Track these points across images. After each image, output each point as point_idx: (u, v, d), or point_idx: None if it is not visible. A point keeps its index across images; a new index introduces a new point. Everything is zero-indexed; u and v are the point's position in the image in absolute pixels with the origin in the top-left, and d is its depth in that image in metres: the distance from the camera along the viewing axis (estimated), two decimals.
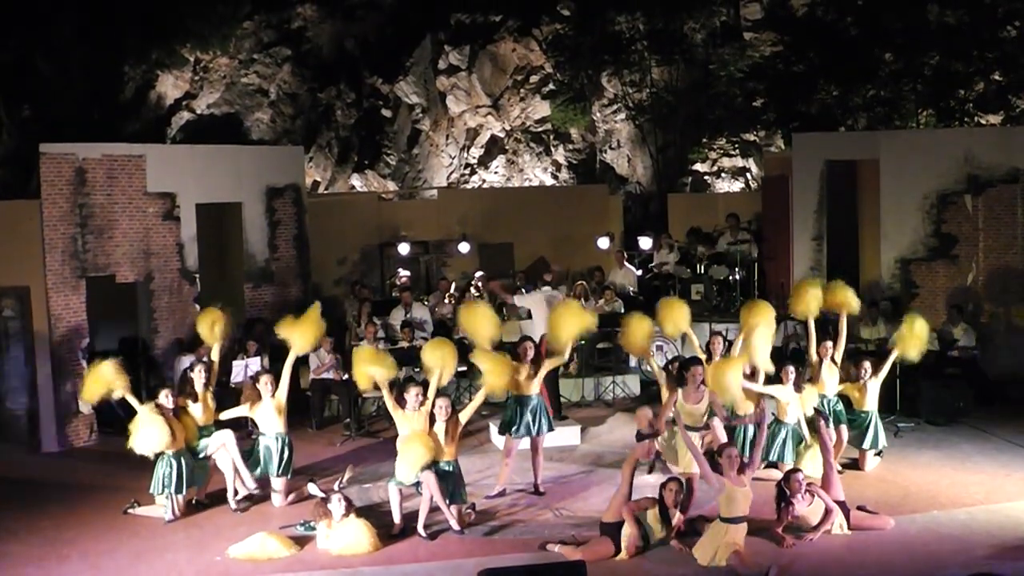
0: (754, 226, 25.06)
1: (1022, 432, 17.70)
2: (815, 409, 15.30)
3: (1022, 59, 27.64)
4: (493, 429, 17.66)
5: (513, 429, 15.19)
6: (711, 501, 13.27)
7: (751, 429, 15.20)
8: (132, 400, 14.48)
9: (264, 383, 15.04)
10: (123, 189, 19.41)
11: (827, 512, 13.21)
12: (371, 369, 13.86)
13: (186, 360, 18.31)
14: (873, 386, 16.06)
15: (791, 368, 15.39)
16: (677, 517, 12.99)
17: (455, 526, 13.59)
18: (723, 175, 31.73)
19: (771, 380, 15.34)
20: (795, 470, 13.70)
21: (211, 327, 15.76)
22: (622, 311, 20.92)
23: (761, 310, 15.76)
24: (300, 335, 15.27)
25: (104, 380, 14.48)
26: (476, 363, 14.45)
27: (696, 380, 14.22)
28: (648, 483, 14.00)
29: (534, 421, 15.20)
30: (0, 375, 18.56)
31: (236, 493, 14.97)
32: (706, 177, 31.90)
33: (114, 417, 17.02)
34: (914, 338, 16.02)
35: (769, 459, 15.27)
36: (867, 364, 16.06)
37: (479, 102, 33.42)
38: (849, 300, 16.43)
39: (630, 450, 13.53)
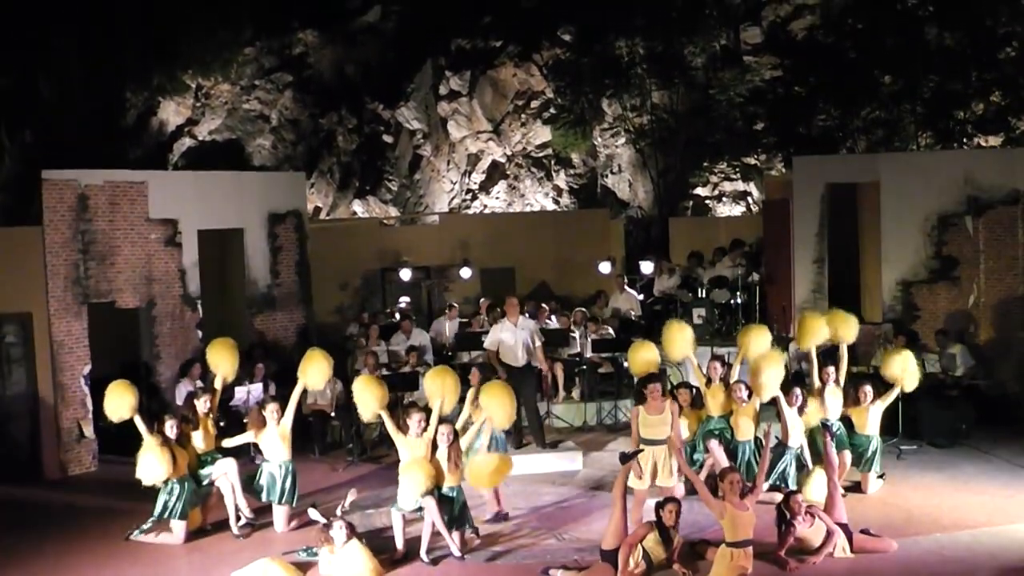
0: (753, 250, 25.08)
1: None
2: (823, 424, 15.38)
3: (1022, 80, 27.68)
4: None
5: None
6: (713, 524, 13.24)
7: (749, 451, 15.33)
8: (141, 425, 14.51)
9: (270, 411, 15.07)
10: (125, 215, 19.46)
11: (828, 534, 13.19)
12: (367, 399, 13.94)
13: (184, 386, 18.33)
14: (875, 411, 16.07)
15: (797, 391, 15.47)
16: (677, 538, 12.96)
17: (455, 552, 13.56)
18: (724, 199, 31.76)
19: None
20: (794, 492, 13.72)
21: (221, 358, 15.84)
22: (612, 336, 21.06)
23: (757, 334, 15.92)
24: (312, 372, 15.26)
25: (124, 400, 14.52)
26: (482, 398, 14.43)
27: (655, 395, 14.06)
28: (650, 508, 13.96)
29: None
30: (1, 401, 18.54)
31: (238, 519, 14.97)
32: (707, 201, 31.92)
33: (117, 442, 17.04)
34: (905, 374, 16.12)
35: (772, 482, 15.30)
36: (867, 388, 16.07)
37: (480, 127, 33.48)
38: (849, 329, 16.49)
39: (618, 473, 13.49)
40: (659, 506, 12.96)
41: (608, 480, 16.70)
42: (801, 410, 15.46)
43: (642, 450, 13.69)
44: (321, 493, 16.42)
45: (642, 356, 15.52)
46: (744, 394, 15.44)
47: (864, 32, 28.92)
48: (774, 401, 15.40)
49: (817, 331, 16.24)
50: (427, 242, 27.55)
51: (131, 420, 14.58)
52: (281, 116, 33.79)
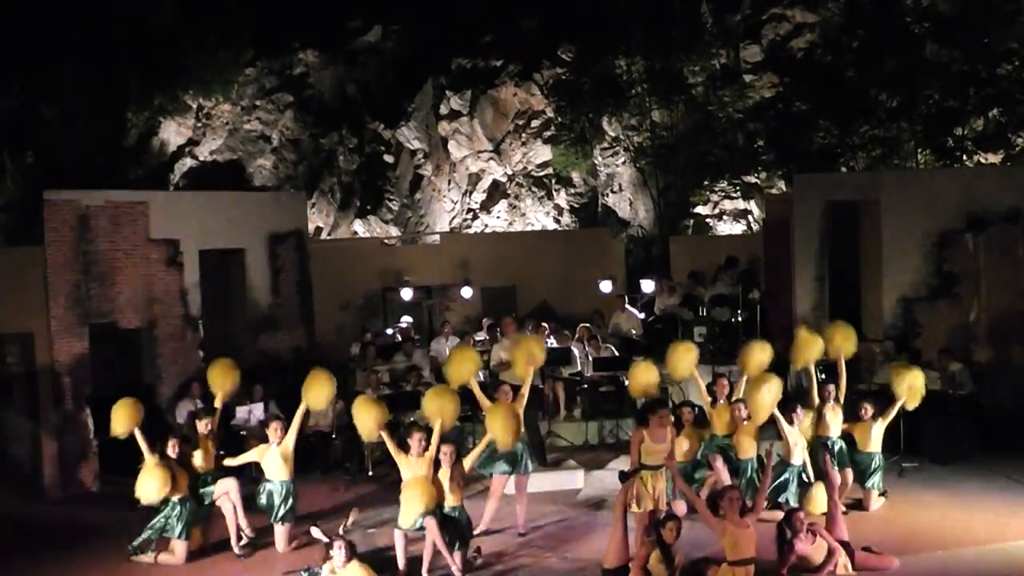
0: (748, 268, 25.04)
1: None
2: (822, 443, 15.41)
3: (1020, 96, 27.73)
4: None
5: (493, 467, 15.34)
6: (715, 543, 13.21)
7: (751, 469, 15.34)
8: (142, 443, 14.51)
9: (272, 430, 15.07)
10: (126, 236, 19.47)
11: (830, 552, 13.16)
12: (365, 420, 13.94)
13: (185, 406, 18.33)
14: (877, 428, 16.07)
15: (800, 409, 15.49)
16: (679, 556, 12.94)
17: (456, 572, 13.53)
18: (725, 217, 31.77)
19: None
20: (796, 509, 13.70)
21: (221, 378, 15.84)
22: (613, 355, 21.05)
23: (759, 352, 15.92)
24: (315, 392, 15.22)
25: (130, 415, 14.54)
26: (486, 419, 14.45)
27: (663, 422, 13.91)
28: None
29: (516, 460, 15.28)
30: (3, 421, 18.54)
31: (240, 539, 14.97)
32: (708, 220, 31.94)
33: (119, 462, 17.05)
34: (912, 392, 16.11)
35: (773, 500, 15.31)
36: (866, 405, 16.09)
37: (481, 147, 33.52)
38: (847, 344, 16.48)
39: (618, 491, 13.48)
40: (660, 524, 12.93)
41: (610, 499, 16.69)
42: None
43: (639, 469, 13.62)
44: (323, 513, 16.40)
45: (642, 376, 15.53)
46: (744, 413, 15.46)
47: (863, 50, 28.99)
48: (774, 419, 15.42)
49: (812, 347, 16.25)
50: (428, 262, 27.58)
51: (133, 438, 14.59)
52: (282, 136, 33.85)
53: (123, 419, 14.60)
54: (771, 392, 15.21)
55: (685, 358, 16.11)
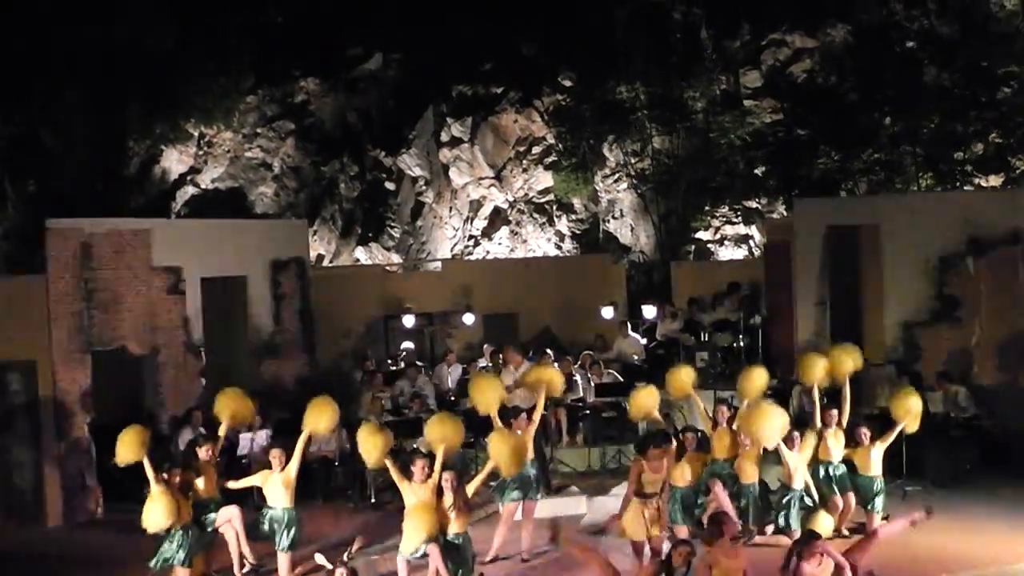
0: (750, 293, 25.06)
1: None
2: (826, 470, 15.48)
3: (1020, 119, 27.79)
4: None
5: (505, 493, 15.41)
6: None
7: (752, 495, 15.35)
8: (150, 472, 14.46)
9: (274, 457, 15.04)
10: (128, 263, 19.47)
11: (838, 568, 12.95)
12: (369, 448, 13.92)
13: (187, 433, 18.31)
14: (877, 452, 16.05)
15: (796, 434, 15.48)
16: None
17: None
18: (726, 242, 31.80)
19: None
20: (817, 536, 13.25)
21: (232, 407, 15.78)
22: (620, 380, 21.06)
23: (756, 377, 15.97)
24: (317, 420, 15.19)
25: (136, 444, 14.50)
26: (489, 446, 14.43)
27: (662, 456, 14.04)
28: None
29: (528, 485, 15.32)
30: (5, 449, 18.52)
31: (243, 566, 14.95)
32: (709, 245, 31.96)
33: (122, 488, 17.04)
34: (911, 415, 16.12)
35: (777, 525, 15.32)
36: (864, 430, 16.08)
37: (482, 173, 33.57)
38: (851, 361, 16.50)
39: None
40: (672, 548, 12.82)
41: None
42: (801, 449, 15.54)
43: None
44: (326, 540, 16.39)
45: (643, 400, 15.60)
46: (748, 439, 15.45)
47: (863, 74, 29.07)
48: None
49: (818, 367, 16.27)
50: (429, 288, 27.59)
51: (136, 467, 14.55)
52: (283, 164, 33.93)
53: (131, 447, 14.56)
54: (778, 420, 15.17)
55: (683, 380, 16.20)
